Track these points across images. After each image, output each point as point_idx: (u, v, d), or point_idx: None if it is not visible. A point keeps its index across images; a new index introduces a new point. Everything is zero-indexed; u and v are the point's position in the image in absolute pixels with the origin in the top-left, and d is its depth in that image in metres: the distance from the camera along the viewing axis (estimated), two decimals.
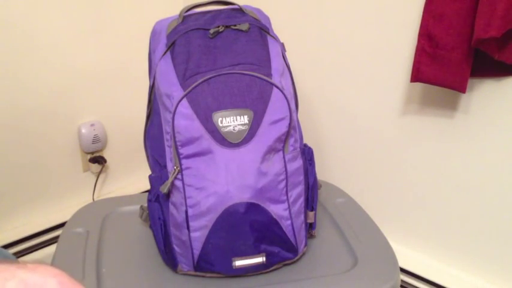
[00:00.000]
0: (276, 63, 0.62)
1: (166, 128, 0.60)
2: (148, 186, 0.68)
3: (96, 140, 1.14)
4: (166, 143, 0.61)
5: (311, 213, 0.67)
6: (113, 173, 1.25)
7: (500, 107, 0.77)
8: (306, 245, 0.67)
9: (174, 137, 0.57)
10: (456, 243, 0.89)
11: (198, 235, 0.59)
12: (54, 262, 0.66)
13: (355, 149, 1.03)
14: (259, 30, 0.65)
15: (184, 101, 0.57)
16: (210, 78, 0.58)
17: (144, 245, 0.72)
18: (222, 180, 0.57)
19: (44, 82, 1.03)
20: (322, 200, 0.85)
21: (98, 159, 1.17)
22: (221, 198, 0.57)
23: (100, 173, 1.19)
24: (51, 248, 1.06)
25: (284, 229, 0.60)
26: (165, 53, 0.62)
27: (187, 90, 0.57)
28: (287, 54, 0.71)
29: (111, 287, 0.62)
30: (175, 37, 0.62)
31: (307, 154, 0.66)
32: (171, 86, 0.59)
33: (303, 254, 0.68)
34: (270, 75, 0.60)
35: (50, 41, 1.02)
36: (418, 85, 0.87)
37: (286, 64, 0.67)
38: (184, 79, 0.59)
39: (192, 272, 0.63)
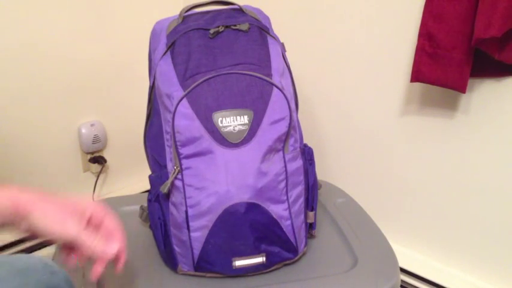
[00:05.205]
0: (276, 63, 0.62)
1: (166, 128, 0.60)
2: (148, 186, 0.68)
3: (96, 140, 1.14)
4: (166, 143, 0.61)
5: (311, 213, 0.67)
6: (113, 173, 1.25)
7: (500, 107, 0.77)
8: (306, 245, 0.67)
9: (174, 137, 0.57)
10: (456, 243, 0.89)
11: (198, 235, 0.59)
12: (54, 262, 0.66)
13: (355, 149, 1.03)
14: (259, 30, 0.65)
15: (185, 101, 0.57)
16: (210, 78, 0.58)
17: (144, 245, 0.72)
18: (222, 180, 0.57)
19: (44, 82, 1.03)
20: (322, 200, 0.85)
21: (98, 159, 1.17)
22: (221, 198, 0.57)
23: (100, 173, 1.19)
24: (51, 248, 1.06)
25: (284, 229, 0.60)
26: (165, 53, 0.62)
27: (187, 90, 0.57)
28: (287, 54, 0.71)
29: (111, 287, 0.62)
30: (176, 37, 0.62)
31: (307, 154, 0.66)
32: (171, 86, 0.59)
33: (303, 254, 0.68)
34: (270, 75, 0.60)
35: (50, 40, 1.02)
36: (418, 85, 0.87)
37: (286, 64, 0.67)
38: (184, 79, 0.59)
39: (192, 272, 0.63)
